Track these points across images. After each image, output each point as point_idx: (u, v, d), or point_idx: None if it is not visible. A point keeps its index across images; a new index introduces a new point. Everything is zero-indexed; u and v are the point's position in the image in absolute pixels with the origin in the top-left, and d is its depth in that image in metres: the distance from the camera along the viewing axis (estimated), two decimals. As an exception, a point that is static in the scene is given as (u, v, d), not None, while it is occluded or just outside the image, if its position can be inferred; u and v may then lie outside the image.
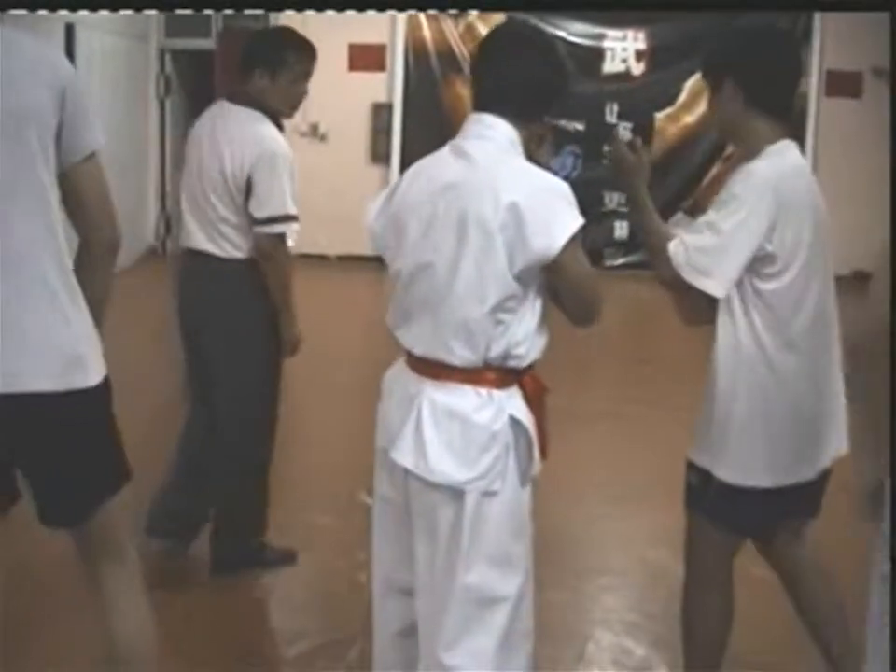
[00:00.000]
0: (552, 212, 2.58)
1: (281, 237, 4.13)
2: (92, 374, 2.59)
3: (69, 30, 9.75)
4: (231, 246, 4.14)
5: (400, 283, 2.73)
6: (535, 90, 2.72)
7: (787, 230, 2.92)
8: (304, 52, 4.19)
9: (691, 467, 3.13)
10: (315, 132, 12.43)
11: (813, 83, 12.80)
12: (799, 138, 12.90)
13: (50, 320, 2.51)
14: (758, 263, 2.93)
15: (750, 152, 3.05)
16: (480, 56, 2.81)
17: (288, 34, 4.30)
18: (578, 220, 2.59)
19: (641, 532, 5.02)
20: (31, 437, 2.56)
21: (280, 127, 4.20)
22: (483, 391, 2.65)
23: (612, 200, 12.98)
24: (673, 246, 2.96)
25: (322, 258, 12.24)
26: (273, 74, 4.11)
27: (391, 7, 8.93)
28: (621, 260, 12.81)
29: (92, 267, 2.66)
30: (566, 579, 4.50)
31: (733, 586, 3.23)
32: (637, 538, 4.97)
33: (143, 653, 2.78)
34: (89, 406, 2.62)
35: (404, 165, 12.94)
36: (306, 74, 4.20)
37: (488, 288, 2.58)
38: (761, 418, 2.98)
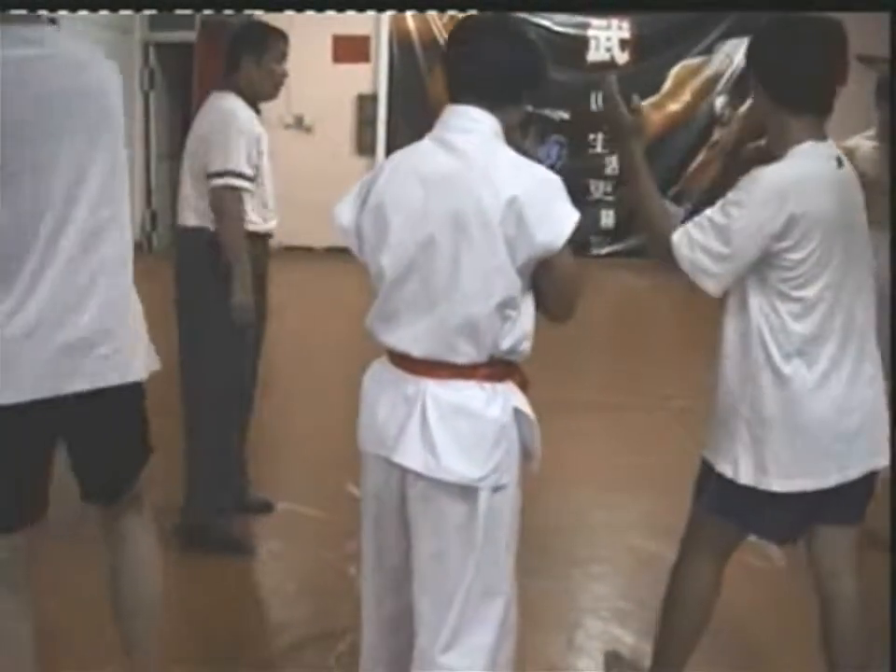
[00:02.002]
0: (552, 205, 2.55)
1: (231, 190, 4.31)
2: (147, 364, 2.92)
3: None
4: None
5: (386, 282, 2.64)
6: (508, 73, 2.66)
7: (797, 234, 2.85)
8: (280, 36, 4.59)
9: (704, 458, 3.13)
10: (300, 123, 12.41)
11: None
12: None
13: (130, 316, 2.85)
14: (765, 266, 2.89)
15: (779, 153, 2.96)
16: (450, 47, 2.75)
17: (265, 24, 4.68)
18: (576, 214, 2.56)
19: (630, 521, 5.03)
20: (94, 423, 2.83)
21: (258, 111, 4.53)
22: (488, 385, 2.61)
23: (598, 189, 13.00)
24: (677, 237, 2.91)
25: (308, 249, 12.24)
26: (258, 59, 4.47)
27: (389, 7, 8.93)
28: (607, 249, 12.84)
29: None
30: (555, 567, 4.51)
31: (721, 584, 3.22)
32: (626, 527, 4.98)
33: (153, 605, 3.10)
34: (140, 393, 2.94)
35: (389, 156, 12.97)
36: (284, 55, 4.58)
37: (494, 285, 2.53)
38: (760, 420, 2.94)
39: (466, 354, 2.58)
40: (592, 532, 5.01)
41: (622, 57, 13.04)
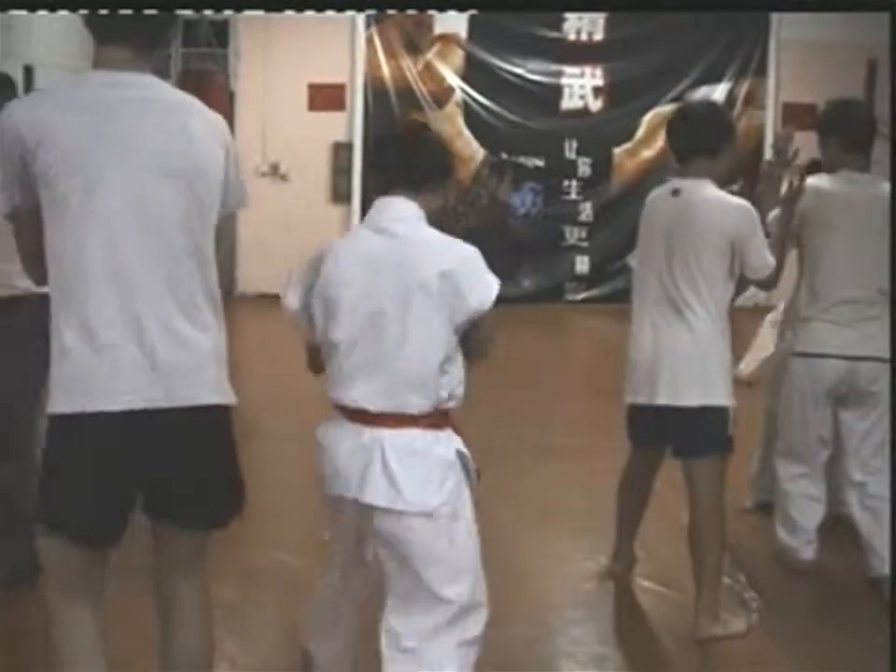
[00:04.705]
0: (479, 273, 3.10)
1: None
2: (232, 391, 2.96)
3: (28, 71, 9.74)
4: None
5: (339, 352, 3.15)
6: (424, 170, 3.23)
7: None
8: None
9: None
10: (275, 171, 12.43)
11: (769, 115, 13.02)
12: (754, 169, 13.10)
13: (217, 342, 2.89)
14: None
15: None
16: (377, 153, 3.55)
17: None
18: (496, 281, 3.09)
19: (606, 564, 5.02)
20: (198, 447, 2.88)
21: None
22: (430, 432, 3.13)
23: (573, 234, 13.08)
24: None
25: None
26: None
27: (388, 7, 9.03)
28: (582, 295, 12.88)
29: None
30: (532, 612, 4.50)
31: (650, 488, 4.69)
32: (602, 570, 4.98)
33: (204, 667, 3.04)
34: (230, 418, 2.96)
35: (364, 204, 13.05)
36: None
37: (436, 346, 3.08)
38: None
39: (416, 405, 3.10)
40: (568, 576, 5.00)
41: (595, 104, 13.17)
